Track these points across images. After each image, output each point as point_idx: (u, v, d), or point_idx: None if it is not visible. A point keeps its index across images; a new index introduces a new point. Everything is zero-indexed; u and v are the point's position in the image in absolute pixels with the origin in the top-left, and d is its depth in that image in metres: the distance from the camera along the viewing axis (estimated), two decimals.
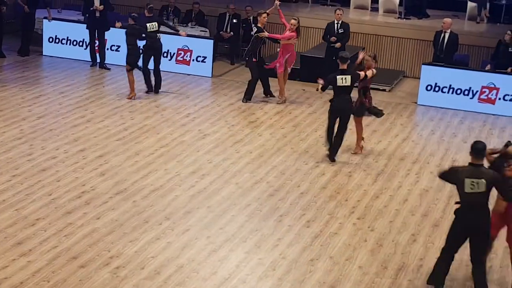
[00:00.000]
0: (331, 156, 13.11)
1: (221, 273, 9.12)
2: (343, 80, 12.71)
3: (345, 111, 12.91)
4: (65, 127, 14.03)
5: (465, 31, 18.99)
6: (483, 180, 8.56)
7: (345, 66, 12.80)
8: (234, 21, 19.60)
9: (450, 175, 8.94)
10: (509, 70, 16.82)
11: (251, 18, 19.50)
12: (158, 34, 16.37)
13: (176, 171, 12.27)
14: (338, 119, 12.92)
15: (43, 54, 19.03)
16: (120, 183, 11.61)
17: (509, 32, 17.09)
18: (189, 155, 13.02)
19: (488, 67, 17.19)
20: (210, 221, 10.52)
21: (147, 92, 16.32)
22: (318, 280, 9.11)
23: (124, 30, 16.01)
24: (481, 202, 8.69)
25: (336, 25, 17.52)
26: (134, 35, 15.82)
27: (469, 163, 8.74)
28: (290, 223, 10.64)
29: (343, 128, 12.97)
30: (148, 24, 15.93)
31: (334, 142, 13.06)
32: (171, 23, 17.69)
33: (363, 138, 13.69)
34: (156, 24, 16.18)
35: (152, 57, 16.33)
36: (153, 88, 16.43)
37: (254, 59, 16.16)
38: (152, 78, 16.40)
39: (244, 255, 9.62)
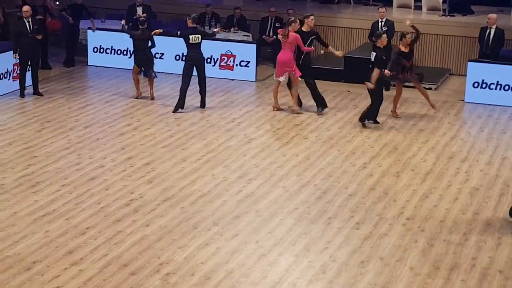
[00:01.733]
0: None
1: (271, 277, 9.08)
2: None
3: None
4: (112, 135, 14.14)
5: (510, 26, 18.72)
6: None
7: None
8: (277, 24, 19.56)
9: None
10: None
11: None
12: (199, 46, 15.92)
13: (223, 176, 12.27)
14: None
15: (88, 64, 19.22)
16: (167, 190, 11.64)
17: None
18: (236, 160, 13.02)
19: None
20: (259, 226, 10.49)
21: (175, 111, 15.70)
22: (369, 282, 9.02)
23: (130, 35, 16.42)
24: None
25: (380, 23, 17.43)
26: (141, 40, 16.17)
27: None
28: (339, 225, 10.56)
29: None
30: (191, 36, 15.65)
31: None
32: (210, 32, 17.56)
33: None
34: (200, 37, 15.70)
35: (196, 70, 15.87)
36: (200, 103, 16.09)
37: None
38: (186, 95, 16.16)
39: (293, 258, 9.57)
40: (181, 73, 15.75)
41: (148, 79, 16.52)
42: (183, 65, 15.80)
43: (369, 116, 14.88)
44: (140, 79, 16.88)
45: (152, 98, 16.46)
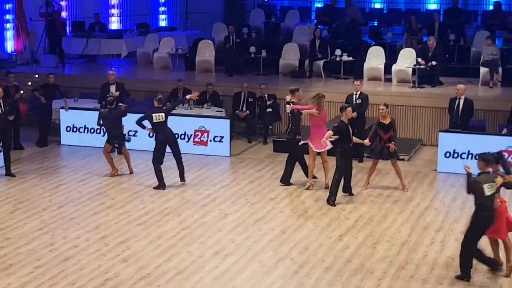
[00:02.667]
0: None
1: None
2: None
3: None
4: (86, 215, 14.04)
5: (479, 97, 19.04)
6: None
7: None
8: (250, 100, 19.74)
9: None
10: None
11: (266, 95, 19.64)
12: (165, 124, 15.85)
13: (199, 252, 12.19)
14: None
15: (62, 143, 19.19)
16: (143, 268, 11.53)
17: None
18: (211, 236, 12.96)
19: (504, 131, 17.14)
20: None
21: (156, 188, 15.64)
22: None
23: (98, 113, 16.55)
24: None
25: (354, 95, 17.64)
26: (109, 118, 16.27)
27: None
28: None
29: None
30: (153, 115, 15.59)
31: None
32: (177, 101, 17.71)
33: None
34: (163, 115, 15.62)
35: (169, 148, 15.83)
36: (180, 177, 16.05)
37: (298, 136, 15.82)
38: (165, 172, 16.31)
39: None
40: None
41: (123, 154, 16.56)
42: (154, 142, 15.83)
43: (334, 192, 14.68)
44: (114, 157, 16.88)
45: (131, 172, 16.58)
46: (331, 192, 14.63)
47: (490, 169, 10.95)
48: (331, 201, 14.55)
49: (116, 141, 16.53)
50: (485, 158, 10.84)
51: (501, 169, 11.13)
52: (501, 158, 11.13)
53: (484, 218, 10.90)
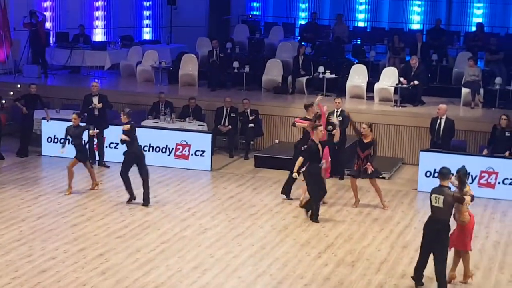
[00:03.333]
0: None
1: None
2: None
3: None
4: (65, 226, 13.97)
5: (460, 117, 19.15)
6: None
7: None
8: (232, 114, 19.75)
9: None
10: (506, 154, 16.88)
11: (248, 110, 19.67)
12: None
13: (177, 266, 12.16)
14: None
15: (42, 154, 19.11)
16: (121, 281, 11.48)
17: (504, 116, 17.23)
18: (191, 250, 12.93)
19: (485, 151, 17.24)
20: None
21: (128, 201, 15.50)
22: None
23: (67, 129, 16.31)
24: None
25: (335, 113, 17.67)
26: (76, 135, 16.08)
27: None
28: None
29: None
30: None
31: None
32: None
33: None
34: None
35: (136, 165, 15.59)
36: (143, 200, 15.51)
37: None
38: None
39: None
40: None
41: (87, 169, 16.30)
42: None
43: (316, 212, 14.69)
44: (95, 168, 16.83)
45: (96, 185, 16.31)
46: (313, 212, 14.64)
47: (449, 183, 11.39)
48: (314, 219, 14.58)
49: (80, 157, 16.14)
50: (441, 172, 11.34)
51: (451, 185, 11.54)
52: (463, 174, 11.55)
53: (426, 224, 11.46)
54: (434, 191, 11.30)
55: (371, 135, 15.56)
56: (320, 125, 14.94)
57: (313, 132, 14.70)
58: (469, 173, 16.32)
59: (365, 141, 15.45)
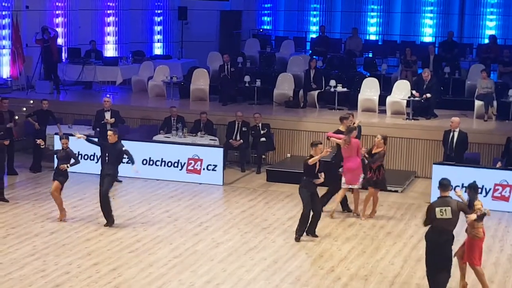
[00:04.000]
0: None
1: None
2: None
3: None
4: (78, 241, 13.97)
5: (474, 130, 19.07)
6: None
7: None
8: (244, 129, 19.75)
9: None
10: None
11: (260, 125, 19.66)
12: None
13: (190, 281, 12.13)
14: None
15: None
16: None
17: None
18: (203, 265, 12.90)
19: (498, 164, 17.15)
20: None
21: (107, 225, 14.93)
22: None
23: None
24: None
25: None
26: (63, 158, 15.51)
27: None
28: None
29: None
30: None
31: None
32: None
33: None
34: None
35: None
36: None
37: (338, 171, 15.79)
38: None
39: None
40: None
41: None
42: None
43: (306, 229, 14.43)
44: None
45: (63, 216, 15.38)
46: (296, 229, 14.41)
47: (457, 197, 11.53)
48: (296, 237, 14.29)
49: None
50: (441, 184, 11.36)
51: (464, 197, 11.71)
52: (473, 188, 11.59)
53: (430, 237, 11.35)
54: (438, 204, 11.21)
55: (383, 148, 15.57)
56: (320, 143, 14.47)
57: (313, 148, 14.31)
58: (482, 186, 16.41)
59: (374, 151, 15.47)
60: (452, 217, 11.09)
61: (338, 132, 16.10)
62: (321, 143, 14.65)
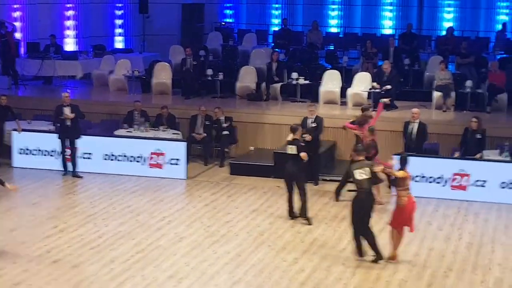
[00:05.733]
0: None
1: None
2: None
3: None
4: (38, 238, 13.84)
5: (433, 120, 19.23)
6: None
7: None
8: (207, 122, 19.72)
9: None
10: (478, 156, 17.01)
11: (223, 118, 19.62)
12: None
13: (153, 276, 12.09)
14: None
15: (13, 166, 18.94)
16: None
17: (474, 119, 17.37)
18: (166, 259, 12.87)
19: (456, 154, 17.31)
20: None
21: None
22: None
23: None
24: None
25: (309, 119, 17.71)
26: None
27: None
28: None
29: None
30: None
31: None
32: None
33: None
34: None
35: None
36: None
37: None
38: None
39: None
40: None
41: None
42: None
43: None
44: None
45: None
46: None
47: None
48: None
49: None
50: (355, 149, 13.17)
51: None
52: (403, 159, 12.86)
53: (358, 199, 12.69)
54: (356, 166, 12.66)
55: (371, 138, 15.98)
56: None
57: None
58: (441, 176, 16.60)
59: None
60: (369, 177, 12.53)
61: (354, 123, 16.55)
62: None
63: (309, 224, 14.76)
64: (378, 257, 12.68)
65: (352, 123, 16.61)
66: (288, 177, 15.01)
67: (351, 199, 12.91)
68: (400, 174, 12.65)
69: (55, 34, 25.47)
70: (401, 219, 12.70)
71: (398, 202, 12.66)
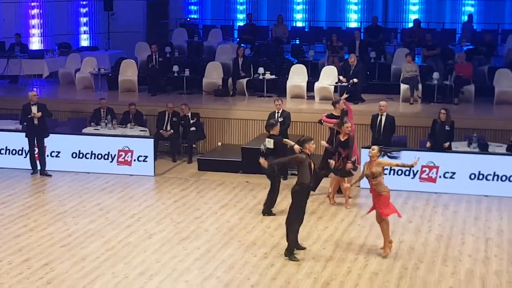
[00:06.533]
0: None
1: None
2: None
3: None
4: (8, 237, 13.77)
5: (400, 113, 19.38)
6: None
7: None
8: (174, 119, 19.70)
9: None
10: (446, 145, 17.19)
11: (189, 114, 19.62)
12: None
13: (124, 273, 12.09)
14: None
15: None
16: None
17: (443, 110, 17.53)
18: (136, 256, 12.86)
19: (428, 144, 17.47)
20: None
21: None
22: None
23: None
24: None
25: (276, 114, 17.77)
26: None
27: None
28: None
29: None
30: None
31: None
32: None
33: None
34: None
35: None
36: None
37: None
38: None
39: None
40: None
41: None
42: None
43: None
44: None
45: None
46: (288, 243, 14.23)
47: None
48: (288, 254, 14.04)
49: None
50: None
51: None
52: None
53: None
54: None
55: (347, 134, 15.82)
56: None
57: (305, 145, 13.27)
58: (410, 168, 16.71)
59: (343, 139, 15.59)
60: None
61: (331, 116, 16.42)
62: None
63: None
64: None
65: (328, 116, 16.57)
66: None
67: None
68: (388, 163, 13.22)
69: (20, 33, 25.30)
70: (391, 206, 13.05)
71: (384, 191, 12.92)
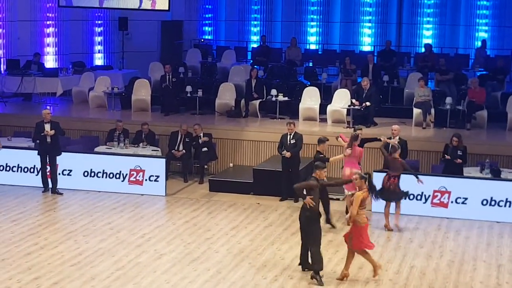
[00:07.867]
0: None
1: None
2: None
3: None
4: (18, 255, 13.78)
5: (412, 137, 19.36)
6: None
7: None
8: (186, 139, 19.72)
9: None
10: (458, 161, 17.09)
11: (201, 134, 19.63)
12: None
13: None
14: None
15: None
16: None
17: (455, 138, 17.34)
18: (146, 276, 12.84)
19: (447, 157, 17.36)
20: None
21: None
22: None
23: None
24: None
25: (288, 136, 17.78)
26: None
27: None
28: None
29: None
30: None
31: None
32: None
33: None
34: None
35: None
36: None
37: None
38: None
39: None
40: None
41: None
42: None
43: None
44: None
45: None
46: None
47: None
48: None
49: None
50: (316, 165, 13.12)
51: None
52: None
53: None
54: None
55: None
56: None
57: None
58: (422, 193, 16.68)
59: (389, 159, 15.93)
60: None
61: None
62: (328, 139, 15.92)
63: None
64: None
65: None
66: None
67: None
68: (359, 195, 12.67)
69: (34, 51, 25.41)
70: (365, 239, 12.75)
71: (359, 221, 12.60)
